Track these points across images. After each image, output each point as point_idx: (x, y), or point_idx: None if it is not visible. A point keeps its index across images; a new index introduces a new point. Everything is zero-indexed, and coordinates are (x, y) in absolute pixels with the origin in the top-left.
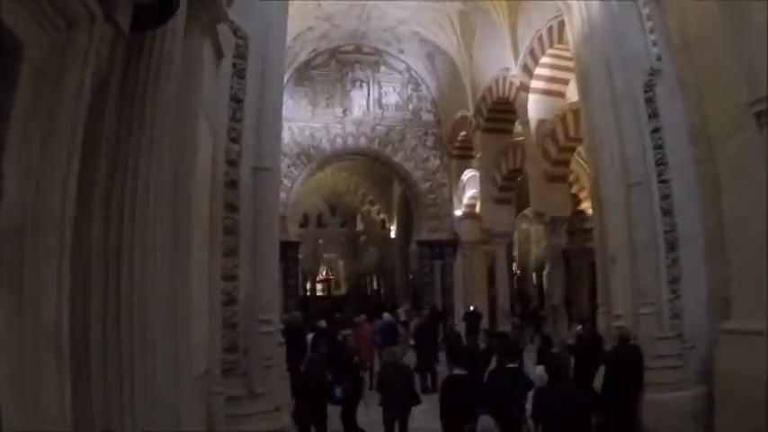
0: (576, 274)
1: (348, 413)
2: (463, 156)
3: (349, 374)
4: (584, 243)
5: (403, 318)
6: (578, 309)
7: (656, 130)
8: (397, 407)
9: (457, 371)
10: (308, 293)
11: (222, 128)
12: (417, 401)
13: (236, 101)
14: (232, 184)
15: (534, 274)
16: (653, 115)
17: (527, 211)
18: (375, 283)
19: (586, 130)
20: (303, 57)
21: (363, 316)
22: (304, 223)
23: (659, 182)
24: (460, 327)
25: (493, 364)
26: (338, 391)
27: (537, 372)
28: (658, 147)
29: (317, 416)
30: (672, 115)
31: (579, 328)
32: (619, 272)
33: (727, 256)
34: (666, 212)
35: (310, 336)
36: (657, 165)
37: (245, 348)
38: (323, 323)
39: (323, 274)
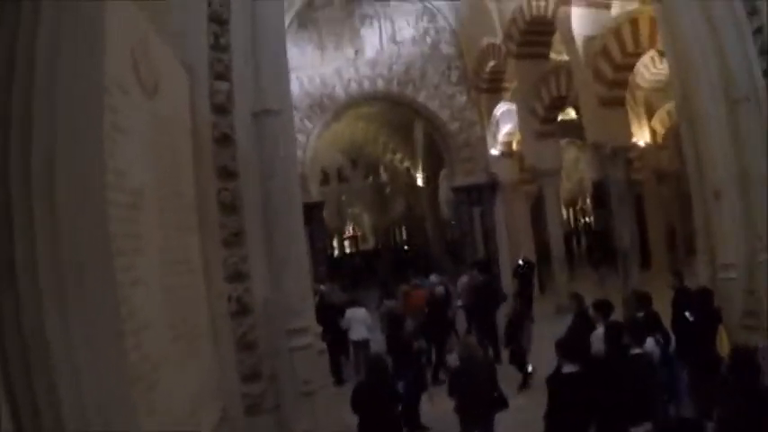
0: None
1: (410, 409)
2: (493, 89)
3: (409, 362)
4: (628, 175)
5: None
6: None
7: (758, 31)
8: (481, 417)
9: (567, 367)
10: (336, 253)
11: (200, 60)
12: (505, 405)
13: (219, 22)
14: (224, 140)
15: (567, 210)
16: (752, 12)
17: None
18: (404, 234)
19: (667, 37)
20: None
21: (413, 282)
22: (324, 180)
23: None
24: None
25: (597, 342)
26: (399, 386)
27: (648, 346)
28: (765, 52)
29: None
30: None
31: (675, 280)
32: (726, 209)
33: None
34: None
35: (351, 311)
36: (766, 75)
37: (271, 373)
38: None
39: (349, 230)
